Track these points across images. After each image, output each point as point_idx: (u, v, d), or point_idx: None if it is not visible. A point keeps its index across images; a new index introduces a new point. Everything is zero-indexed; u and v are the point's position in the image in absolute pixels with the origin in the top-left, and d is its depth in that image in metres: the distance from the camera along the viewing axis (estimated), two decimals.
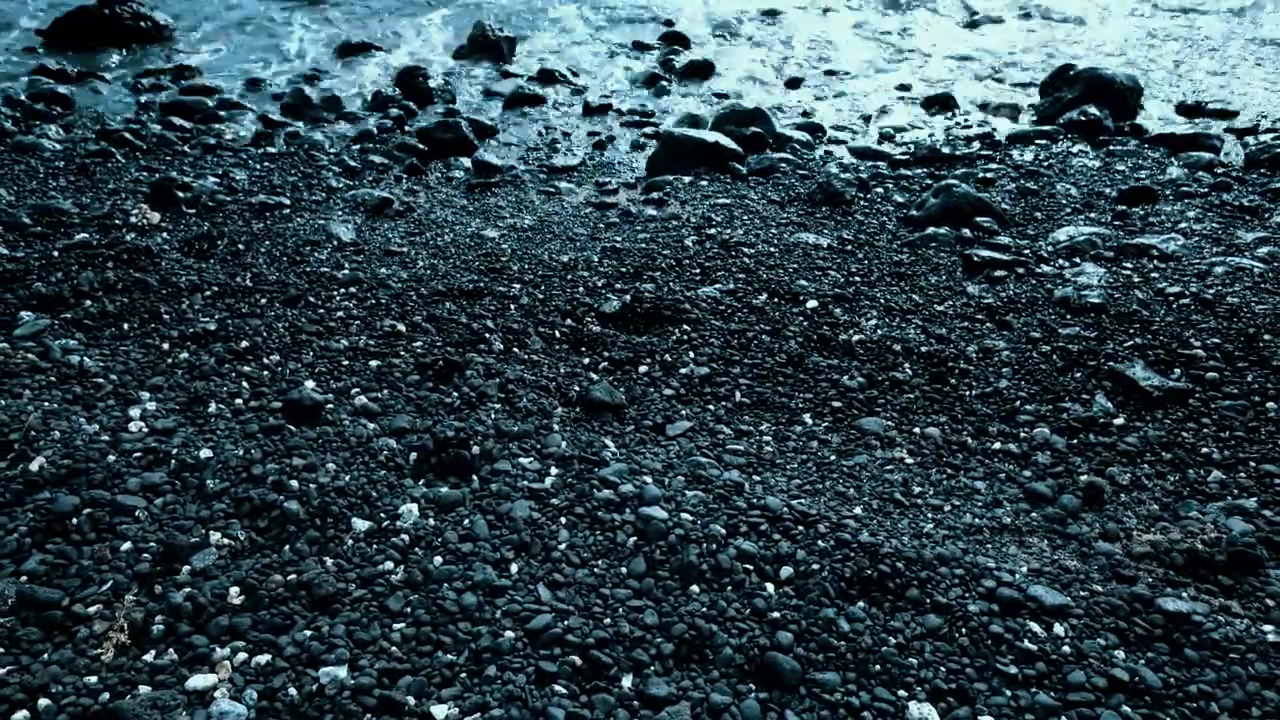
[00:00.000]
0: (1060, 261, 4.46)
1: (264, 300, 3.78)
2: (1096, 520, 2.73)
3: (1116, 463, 3.00)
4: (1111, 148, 6.25)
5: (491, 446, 2.79)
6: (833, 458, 2.96)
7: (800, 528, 2.51)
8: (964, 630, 2.24)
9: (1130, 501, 2.83)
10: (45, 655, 2.10)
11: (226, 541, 2.42)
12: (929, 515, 2.70)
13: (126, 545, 2.39)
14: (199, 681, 2.05)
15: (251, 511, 2.51)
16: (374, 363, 3.30)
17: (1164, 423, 3.19)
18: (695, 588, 2.31)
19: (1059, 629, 2.27)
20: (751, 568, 2.37)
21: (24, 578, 2.28)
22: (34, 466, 2.61)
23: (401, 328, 3.54)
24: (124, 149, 5.99)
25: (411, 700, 2.00)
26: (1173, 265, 4.39)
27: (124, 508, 2.50)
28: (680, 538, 2.43)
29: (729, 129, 6.37)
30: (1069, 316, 3.91)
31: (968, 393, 3.36)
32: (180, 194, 4.93)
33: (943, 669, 2.15)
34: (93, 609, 2.21)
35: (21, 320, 3.49)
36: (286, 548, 2.42)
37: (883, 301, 4.03)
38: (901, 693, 2.09)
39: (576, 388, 3.22)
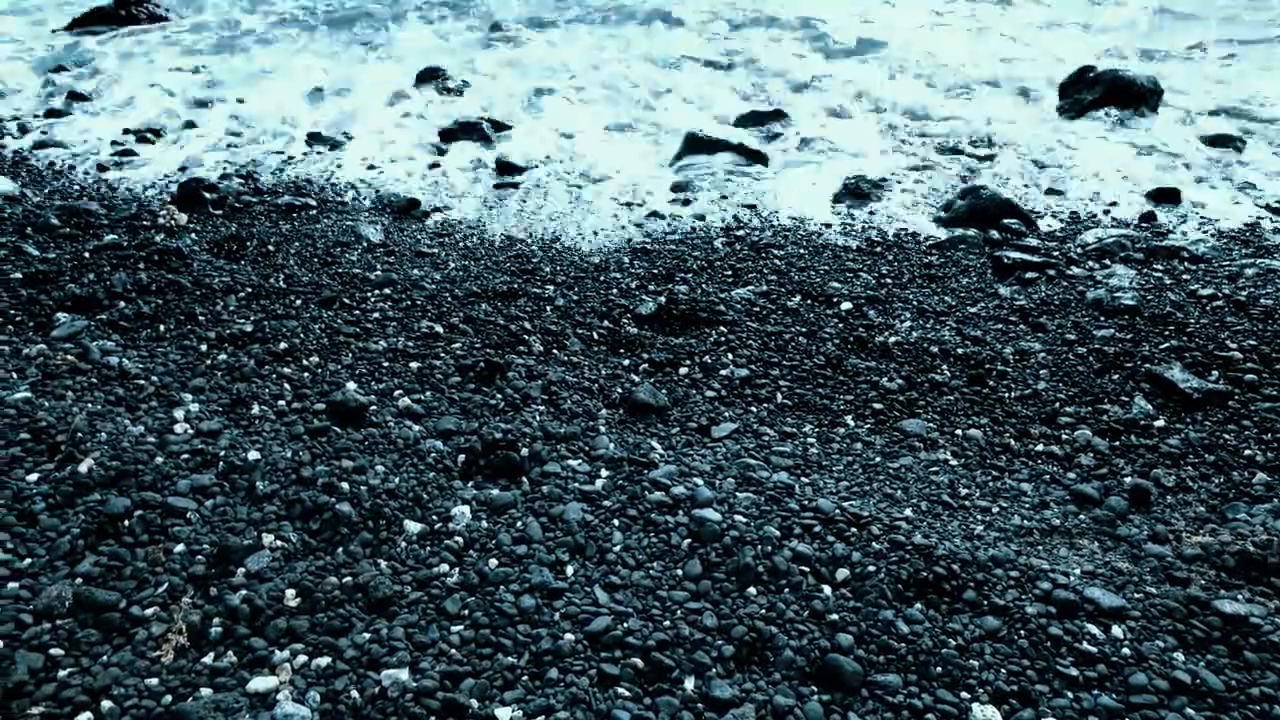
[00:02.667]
0: (1090, 263, 4.46)
1: (299, 302, 3.77)
2: (1145, 522, 2.73)
3: (1160, 465, 2.99)
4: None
5: (540, 448, 2.79)
6: (878, 459, 2.96)
7: (853, 529, 2.50)
8: (1023, 632, 2.24)
9: (1177, 504, 2.83)
10: (105, 657, 2.10)
11: (279, 544, 2.42)
12: (978, 517, 2.69)
13: (179, 547, 2.39)
14: (260, 684, 2.05)
15: (303, 514, 2.50)
16: (414, 364, 3.30)
17: (1204, 425, 3.19)
18: (752, 590, 2.31)
19: (1117, 631, 2.26)
20: (808, 569, 2.36)
21: (79, 579, 2.28)
22: (83, 468, 2.61)
23: (439, 329, 3.54)
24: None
25: (475, 703, 2.00)
26: (1203, 267, 4.39)
27: (175, 510, 2.50)
28: (735, 540, 2.43)
29: (752, 129, 6.37)
30: (1103, 318, 3.91)
31: (1007, 395, 3.36)
32: (207, 195, 4.92)
33: (1003, 671, 2.14)
34: (149, 611, 2.21)
35: (59, 322, 3.49)
36: (340, 550, 2.41)
37: (915, 303, 4.03)
38: (964, 694, 2.08)
39: (619, 390, 3.22)
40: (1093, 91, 6.74)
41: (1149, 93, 6.68)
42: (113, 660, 2.09)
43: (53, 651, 2.08)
